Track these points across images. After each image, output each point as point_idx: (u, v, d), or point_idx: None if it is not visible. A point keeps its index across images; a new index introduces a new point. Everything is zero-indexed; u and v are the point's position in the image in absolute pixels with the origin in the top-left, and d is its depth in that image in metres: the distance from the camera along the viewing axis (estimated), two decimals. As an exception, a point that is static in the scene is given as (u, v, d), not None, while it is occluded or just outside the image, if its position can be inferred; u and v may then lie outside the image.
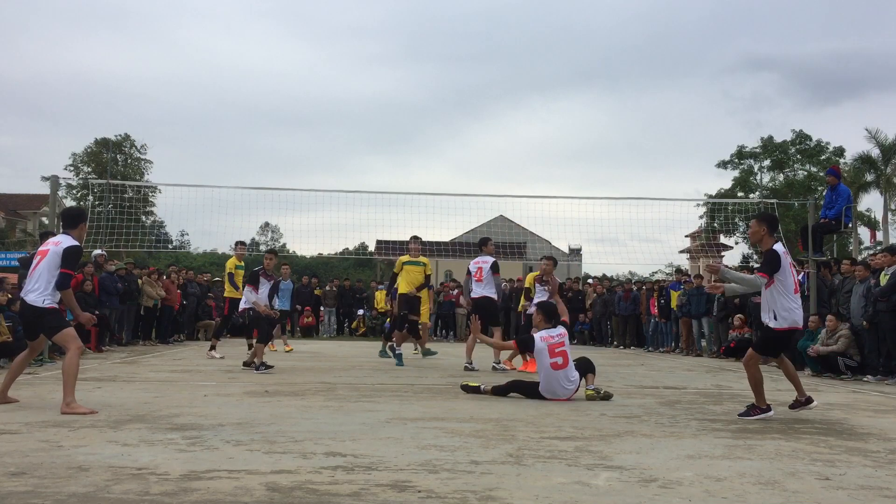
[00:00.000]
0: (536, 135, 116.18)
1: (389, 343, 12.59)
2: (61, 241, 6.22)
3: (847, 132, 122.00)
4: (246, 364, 10.42)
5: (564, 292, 21.72)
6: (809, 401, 6.62)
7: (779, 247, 6.42)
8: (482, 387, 7.66)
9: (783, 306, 6.29)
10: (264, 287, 10.65)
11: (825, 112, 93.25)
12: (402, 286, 11.95)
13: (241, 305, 11.21)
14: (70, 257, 6.13)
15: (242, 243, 13.77)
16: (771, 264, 6.28)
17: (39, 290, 6.09)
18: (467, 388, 7.75)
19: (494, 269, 11.15)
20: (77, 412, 5.79)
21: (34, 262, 6.28)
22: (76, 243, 6.23)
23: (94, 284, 14.21)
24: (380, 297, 22.47)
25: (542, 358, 7.26)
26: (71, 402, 5.90)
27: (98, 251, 15.06)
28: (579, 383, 7.42)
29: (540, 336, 7.41)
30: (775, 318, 6.33)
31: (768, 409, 6.35)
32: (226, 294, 13.30)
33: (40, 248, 6.34)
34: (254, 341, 10.68)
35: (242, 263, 13.47)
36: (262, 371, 9.85)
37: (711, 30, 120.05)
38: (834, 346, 10.87)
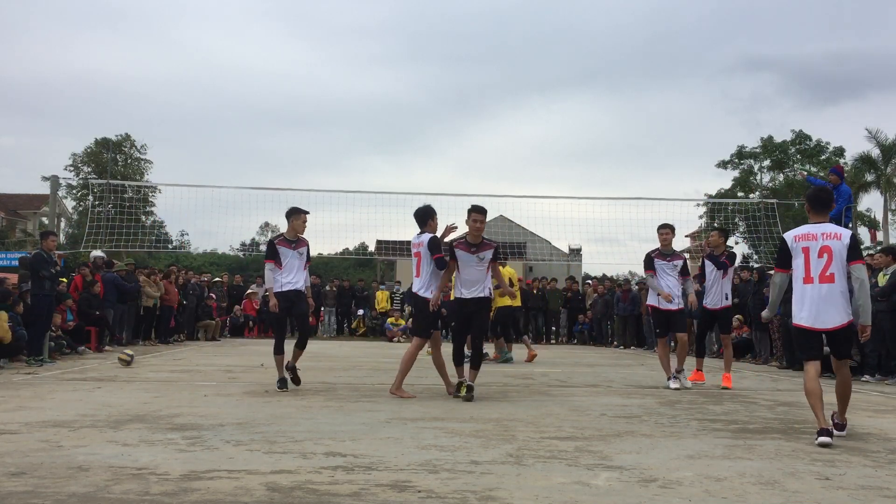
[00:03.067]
0: (536, 135, 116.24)
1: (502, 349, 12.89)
2: (423, 241, 7.55)
3: (847, 132, 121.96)
4: (289, 368, 7.84)
5: (563, 292, 21.77)
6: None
7: None
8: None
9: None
10: (291, 260, 7.81)
11: (825, 112, 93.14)
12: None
13: (260, 292, 9.61)
14: (434, 246, 7.48)
15: (504, 255, 13.82)
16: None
17: (424, 284, 7.52)
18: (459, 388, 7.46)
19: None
20: (402, 395, 7.34)
21: (414, 262, 7.69)
22: (432, 234, 7.57)
23: (99, 286, 14.22)
24: (380, 297, 22.47)
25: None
26: (400, 387, 7.48)
27: (96, 253, 15.04)
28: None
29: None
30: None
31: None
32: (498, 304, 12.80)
33: (414, 251, 7.70)
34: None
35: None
36: (282, 382, 7.71)
37: (711, 30, 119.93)
38: (834, 346, 10.85)
